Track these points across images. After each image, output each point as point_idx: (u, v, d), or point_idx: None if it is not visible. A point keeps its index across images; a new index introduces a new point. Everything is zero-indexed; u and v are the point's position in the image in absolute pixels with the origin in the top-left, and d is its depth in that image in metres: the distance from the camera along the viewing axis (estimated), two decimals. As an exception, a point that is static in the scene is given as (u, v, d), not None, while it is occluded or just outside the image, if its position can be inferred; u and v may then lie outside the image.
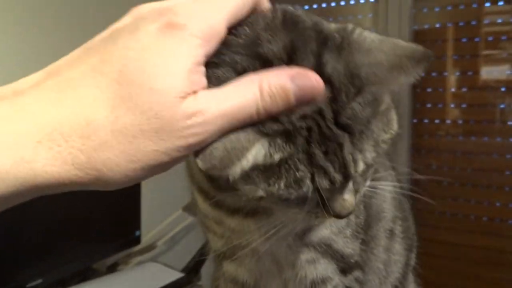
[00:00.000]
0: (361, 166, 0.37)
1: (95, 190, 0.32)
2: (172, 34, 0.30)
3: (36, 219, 1.14)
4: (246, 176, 0.35)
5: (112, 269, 1.49)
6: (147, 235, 1.59)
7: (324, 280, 0.56)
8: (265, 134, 0.33)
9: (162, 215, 1.63)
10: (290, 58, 0.34)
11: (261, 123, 0.32)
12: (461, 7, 1.79)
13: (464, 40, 1.82)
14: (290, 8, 0.38)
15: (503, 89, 1.78)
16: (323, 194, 0.37)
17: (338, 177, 0.36)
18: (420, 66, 0.34)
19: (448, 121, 1.88)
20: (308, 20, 0.36)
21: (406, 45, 0.35)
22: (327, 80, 0.33)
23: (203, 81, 0.31)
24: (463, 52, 1.84)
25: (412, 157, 1.89)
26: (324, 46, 0.34)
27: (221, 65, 0.33)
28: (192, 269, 1.52)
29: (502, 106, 1.79)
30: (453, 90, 1.86)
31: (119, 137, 0.29)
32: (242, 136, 0.32)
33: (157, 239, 1.66)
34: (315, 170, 0.35)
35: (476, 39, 1.79)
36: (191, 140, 0.30)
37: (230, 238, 0.54)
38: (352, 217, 0.56)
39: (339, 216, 0.40)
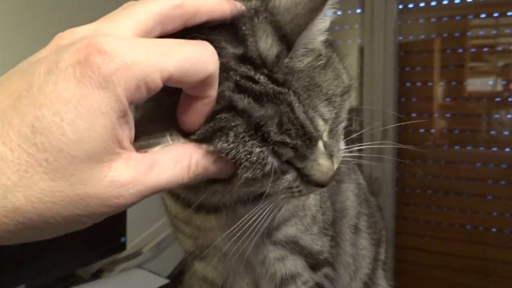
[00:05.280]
0: (320, 123, 0.36)
1: None
2: (91, 80, 0.26)
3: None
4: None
5: (97, 275, 1.49)
6: (132, 241, 1.59)
7: (293, 276, 0.57)
8: None
9: (148, 221, 1.63)
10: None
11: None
12: (445, 19, 1.83)
13: (448, 51, 1.86)
14: None
15: (486, 100, 1.82)
16: (295, 164, 0.36)
17: (298, 142, 0.34)
18: None
19: (433, 131, 1.91)
20: None
21: None
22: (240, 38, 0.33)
23: (131, 132, 0.29)
24: (448, 63, 1.87)
25: (397, 166, 1.92)
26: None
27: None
28: (178, 276, 1.51)
29: (485, 116, 1.82)
30: (438, 100, 1.90)
31: (36, 203, 0.26)
32: None
33: (142, 245, 1.66)
34: (273, 145, 0.34)
35: (460, 51, 1.83)
36: (114, 206, 0.28)
37: (198, 238, 0.55)
38: (319, 214, 0.57)
39: (320, 185, 0.38)
